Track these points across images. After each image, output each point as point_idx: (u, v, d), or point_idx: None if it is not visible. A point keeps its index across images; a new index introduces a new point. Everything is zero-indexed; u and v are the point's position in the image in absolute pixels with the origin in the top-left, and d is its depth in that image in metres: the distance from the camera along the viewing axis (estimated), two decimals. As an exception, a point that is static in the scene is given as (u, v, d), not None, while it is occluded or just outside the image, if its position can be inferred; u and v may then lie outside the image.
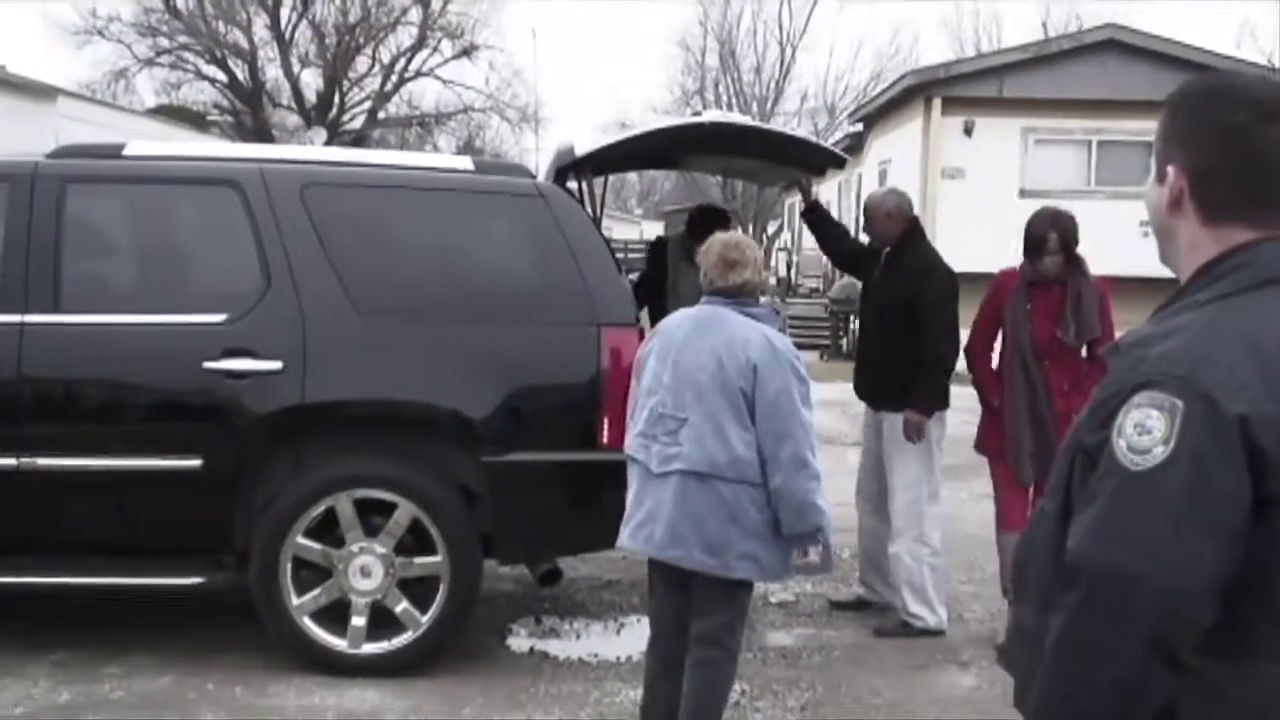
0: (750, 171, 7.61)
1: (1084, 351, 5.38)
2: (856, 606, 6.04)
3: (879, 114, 23.11)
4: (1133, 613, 1.56)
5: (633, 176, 51.65)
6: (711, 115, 6.27)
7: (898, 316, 5.57)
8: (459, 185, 5.25)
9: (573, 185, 5.80)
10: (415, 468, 4.96)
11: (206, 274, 5.30)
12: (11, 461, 4.79)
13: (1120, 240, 12.55)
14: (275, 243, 4.97)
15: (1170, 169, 1.78)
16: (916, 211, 5.92)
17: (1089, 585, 1.60)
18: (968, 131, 19.29)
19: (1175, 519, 1.55)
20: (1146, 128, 18.32)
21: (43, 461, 4.82)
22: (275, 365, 4.85)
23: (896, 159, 21.31)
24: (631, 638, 5.65)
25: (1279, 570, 1.57)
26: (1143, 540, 1.57)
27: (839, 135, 32.77)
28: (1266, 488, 1.54)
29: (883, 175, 21.78)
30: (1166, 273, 1.87)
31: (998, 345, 5.56)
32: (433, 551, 4.94)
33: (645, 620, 5.90)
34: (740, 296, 4.04)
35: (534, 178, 5.39)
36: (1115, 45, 19.14)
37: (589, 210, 5.83)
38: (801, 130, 28.67)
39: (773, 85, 44.36)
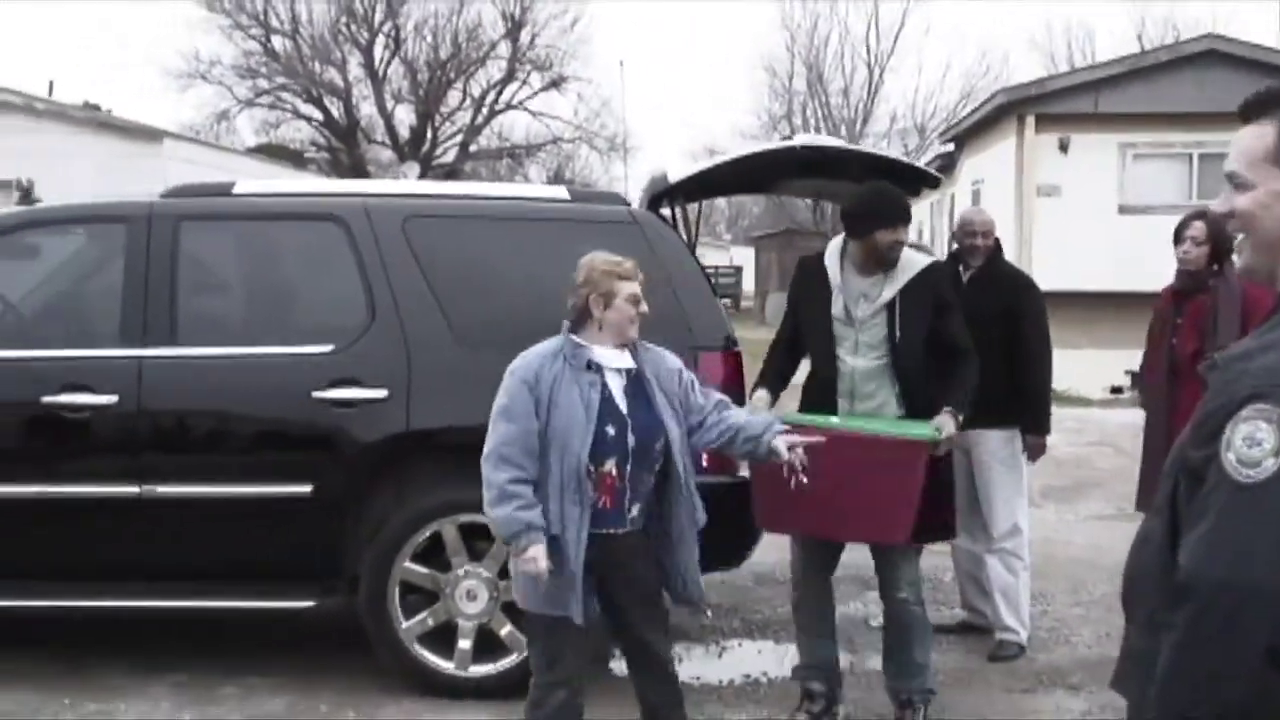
0: (842, 194, 7.60)
1: None
2: (960, 630, 5.99)
3: (970, 133, 22.91)
4: (1247, 626, 1.56)
5: (721, 202, 51.71)
6: (803, 139, 6.31)
7: (994, 331, 5.52)
8: (555, 214, 5.35)
9: (666, 212, 5.87)
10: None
11: (313, 306, 5.45)
12: (135, 490, 4.98)
13: (1224, 255, 12.30)
14: (379, 275, 5.11)
15: None
16: (1012, 230, 5.90)
17: (1202, 602, 1.60)
18: (1063, 148, 19.03)
19: None
20: (1249, 139, 17.90)
21: (162, 489, 5.00)
22: (381, 394, 4.97)
23: (989, 178, 21.09)
24: (733, 661, 5.69)
25: None
26: (1255, 554, 1.57)
27: (930, 155, 32.51)
28: None
29: (976, 195, 21.57)
30: None
31: None
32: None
33: (746, 643, 5.95)
34: None
35: (629, 205, 5.47)
36: (1215, 55, 18.77)
37: (683, 236, 5.89)
38: (893, 151, 28.50)
39: (861, 107, 44.27)
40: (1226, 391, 1.66)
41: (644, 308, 3.83)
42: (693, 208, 6.52)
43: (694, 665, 5.61)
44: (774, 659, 5.72)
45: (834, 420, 4.55)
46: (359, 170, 36.86)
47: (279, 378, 5.09)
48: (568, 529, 3.71)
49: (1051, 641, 5.88)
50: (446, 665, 5.05)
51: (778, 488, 4.26)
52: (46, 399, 5.01)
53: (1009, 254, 5.98)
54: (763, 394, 4.71)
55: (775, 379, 4.85)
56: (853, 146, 6.74)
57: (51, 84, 25.91)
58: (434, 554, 5.05)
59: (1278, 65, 18.07)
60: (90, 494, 5.05)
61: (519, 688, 4.98)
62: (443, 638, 5.07)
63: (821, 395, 4.70)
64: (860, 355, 4.63)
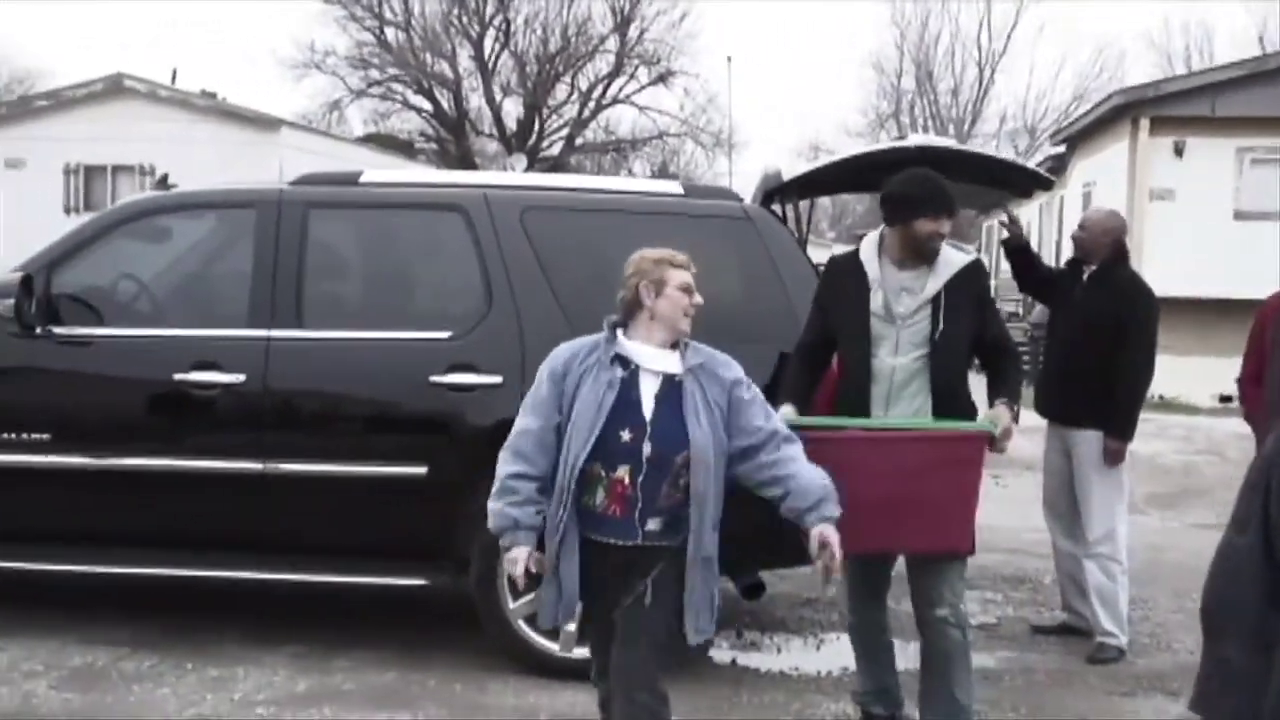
0: (957, 194, 7.61)
1: None
2: (1060, 631, 5.99)
3: (1082, 135, 22.56)
4: None
5: (824, 200, 51.47)
6: (917, 139, 6.35)
7: (1103, 334, 5.52)
8: (670, 209, 5.46)
9: (777, 209, 5.95)
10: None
11: (433, 293, 5.64)
12: (258, 466, 5.20)
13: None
14: (497, 264, 5.26)
15: None
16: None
17: None
18: (1178, 152, 18.69)
19: None
20: (1376, 144, 17.32)
21: (285, 466, 5.21)
22: (496, 379, 5.13)
23: (1101, 181, 20.75)
24: (830, 653, 5.75)
25: None
26: None
27: (1040, 157, 32.02)
28: None
29: (1087, 197, 21.23)
30: None
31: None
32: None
33: (844, 637, 6.00)
34: None
35: (741, 201, 5.56)
36: (1340, 59, 18.27)
37: (795, 233, 5.96)
38: (1005, 152, 28.16)
39: (970, 107, 43.80)
40: None
41: (698, 299, 3.62)
42: (804, 206, 6.58)
43: (792, 657, 5.69)
44: (872, 654, 5.77)
45: (873, 422, 4.27)
46: (466, 161, 37.34)
47: (398, 362, 5.27)
48: (552, 530, 3.57)
49: (1153, 647, 5.85)
50: (551, 646, 5.18)
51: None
52: (178, 376, 5.25)
53: (1119, 257, 5.93)
54: (789, 410, 4.24)
55: (802, 391, 4.46)
56: (967, 148, 6.74)
57: (175, 72, 26.70)
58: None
59: (1406, 70, 17.53)
60: (216, 469, 5.28)
61: (621, 670, 5.14)
62: (549, 619, 5.20)
63: (857, 400, 4.34)
64: (901, 354, 4.29)
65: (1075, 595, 5.95)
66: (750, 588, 5.48)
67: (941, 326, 4.27)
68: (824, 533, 3.55)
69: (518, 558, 3.52)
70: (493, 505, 3.61)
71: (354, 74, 37.77)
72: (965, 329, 4.33)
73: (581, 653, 5.13)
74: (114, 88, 22.30)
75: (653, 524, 3.54)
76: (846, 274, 4.47)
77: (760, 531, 5.24)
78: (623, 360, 3.57)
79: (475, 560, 5.16)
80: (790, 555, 5.45)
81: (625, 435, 3.48)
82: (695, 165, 45.07)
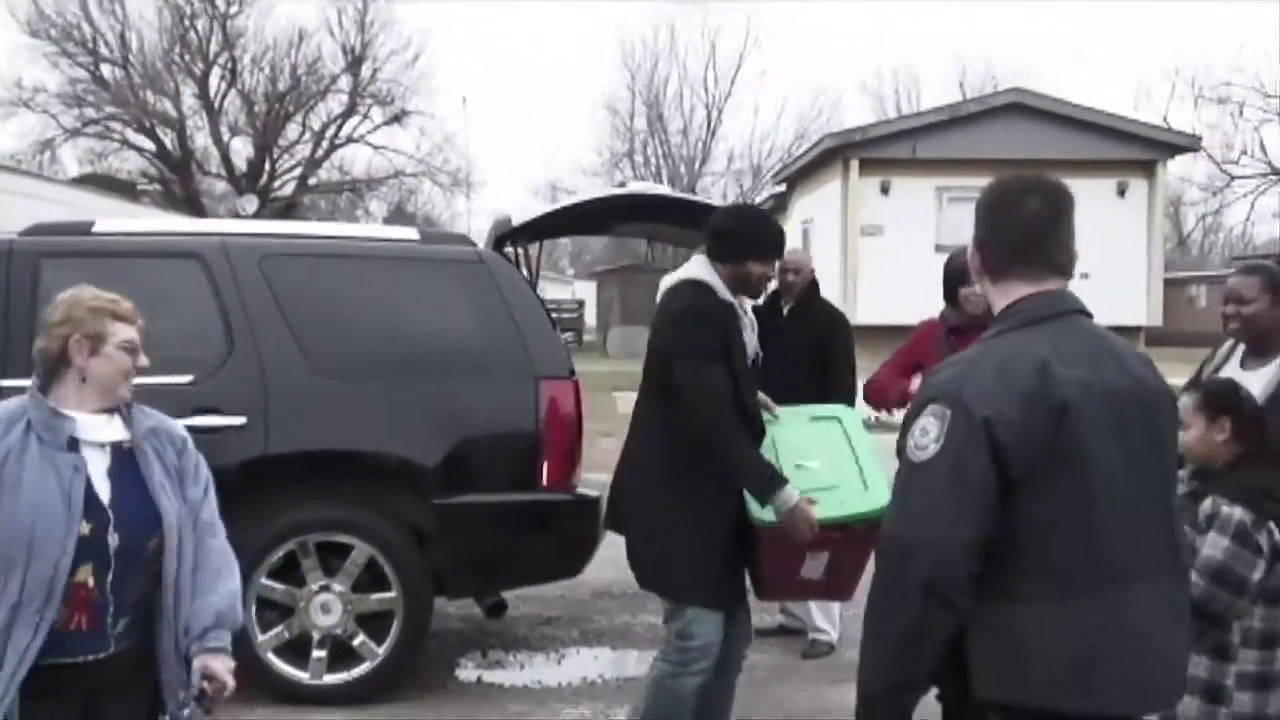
0: (672, 236, 8.22)
1: None
2: (778, 633, 6.55)
3: (800, 175, 23.96)
4: (911, 567, 2.16)
5: (565, 239, 52.35)
6: (633, 186, 6.89)
7: (805, 362, 6.05)
8: (407, 254, 5.77)
9: (510, 251, 6.34)
10: (370, 511, 5.41)
11: (175, 339, 5.69)
12: None
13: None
14: (237, 309, 5.43)
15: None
16: (838, 267, 6.47)
17: (884, 550, 2.24)
18: (884, 191, 20.15)
19: (940, 497, 2.13)
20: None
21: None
22: (240, 421, 5.29)
23: (818, 218, 22.10)
24: (570, 666, 6.13)
25: (1025, 536, 2.17)
26: (919, 513, 2.18)
27: (764, 195, 33.64)
28: (1009, 474, 2.13)
29: (805, 234, 22.57)
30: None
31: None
32: (387, 588, 5.39)
33: (584, 650, 6.41)
34: None
35: (475, 246, 5.92)
36: (1020, 108, 20.17)
37: (526, 274, 6.36)
38: (714, 198, 29.37)
39: (700, 146, 45.46)
40: (921, 397, 2.24)
41: (144, 360, 2.97)
42: (533, 247, 7.00)
43: (535, 671, 6.04)
44: (610, 664, 6.20)
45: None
46: (193, 202, 36.29)
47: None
48: (7, 657, 2.70)
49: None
50: (302, 675, 5.37)
51: (783, 561, 4.16)
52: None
53: (835, 290, 6.59)
54: (792, 491, 3.90)
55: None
56: (679, 194, 7.32)
57: None
58: (289, 570, 5.38)
59: (1074, 118, 19.50)
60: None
61: (371, 693, 5.39)
62: (298, 649, 5.39)
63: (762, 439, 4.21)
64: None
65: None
66: (493, 607, 5.83)
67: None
68: (209, 666, 2.87)
69: None
70: None
71: (67, 112, 36.16)
72: None
73: (333, 679, 5.38)
74: None
75: (122, 625, 2.85)
76: (731, 315, 4.11)
77: (502, 553, 5.63)
78: (73, 440, 2.83)
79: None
80: (529, 575, 5.86)
81: (85, 529, 2.74)
82: (433, 205, 45.22)
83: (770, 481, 3.91)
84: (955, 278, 5.26)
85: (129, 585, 2.82)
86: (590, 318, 39.34)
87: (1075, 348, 2.26)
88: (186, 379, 5.35)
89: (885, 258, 19.10)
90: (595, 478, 5.61)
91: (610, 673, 6.02)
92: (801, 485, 4.00)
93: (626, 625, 6.89)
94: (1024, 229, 2.35)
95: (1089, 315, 2.37)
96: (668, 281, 4.23)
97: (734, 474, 3.98)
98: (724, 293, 4.08)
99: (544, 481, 5.49)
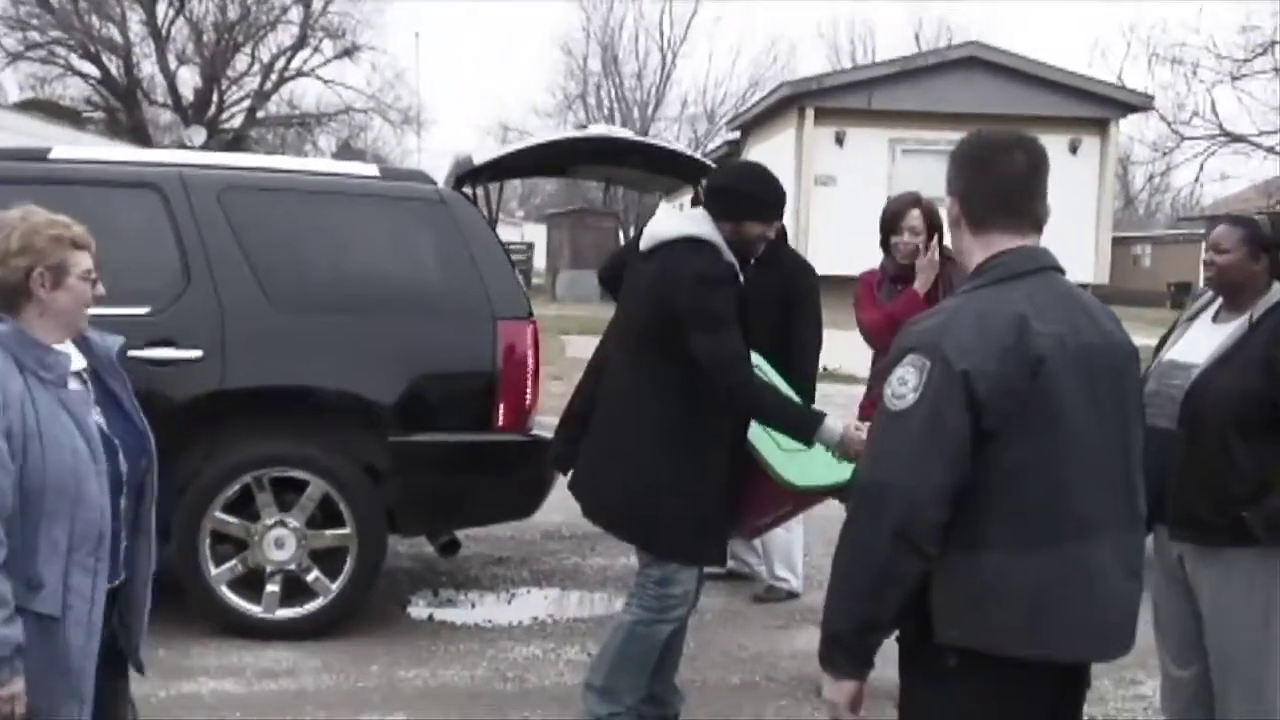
0: (631, 180, 8.22)
1: None
2: (727, 578, 6.64)
3: (755, 122, 23.92)
4: (883, 512, 2.22)
5: (515, 181, 52.03)
6: (596, 129, 6.87)
7: (774, 310, 6.02)
8: (367, 190, 5.73)
9: (468, 191, 6.31)
10: (326, 448, 5.42)
11: (131, 270, 5.64)
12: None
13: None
14: (195, 242, 5.38)
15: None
16: (791, 217, 6.46)
17: (858, 494, 2.30)
18: (839, 141, 20.20)
19: (916, 445, 2.19)
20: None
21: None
22: (196, 354, 5.27)
23: (772, 165, 22.05)
24: (520, 606, 6.20)
25: (994, 486, 2.23)
26: (894, 460, 2.24)
27: (718, 142, 33.57)
28: (983, 424, 2.19)
29: (759, 182, 22.56)
30: None
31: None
32: (342, 524, 5.41)
33: (534, 590, 6.48)
34: None
35: (435, 184, 5.89)
36: (977, 62, 20.23)
37: (486, 214, 6.35)
38: (679, 144, 29.32)
39: (654, 91, 45.26)
40: (898, 346, 2.30)
41: (101, 290, 2.88)
42: (494, 187, 6.97)
43: (485, 610, 6.10)
44: (560, 604, 6.28)
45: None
46: (139, 132, 35.64)
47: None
48: (74, 608, 2.68)
49: (809, 586, 6.57)
50: (254, 609, 5.39)
51: (762, 511, 4.37)
52: None
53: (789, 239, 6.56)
54: (834, 424, 3.90)
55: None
56: (641, 138, 7.30)
57: None
58: (244, 505, 5.38)
59: (1031, 73, 19.61)
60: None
61: (323, 628, 5.43)
62: (251, 583, 5.41)
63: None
64: None
65: (741, 546, 6.60)
66: (446, 546, 5.88)
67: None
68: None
69: (18, 692, 2.60)
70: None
71: (10, 35, 35.26)
72: None
73: (286, 613, 5.41)
74: None
75: (124, 551, 2.88)
76: (736, 280, 4.03)
77: (456, 493, 5.66)
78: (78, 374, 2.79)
79: (177, 529, 5.28)
80: (482, 515, 5.91)
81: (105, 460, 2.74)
82: (383, 142, 44.67)
83: (810, 421, 3.89)
84: (886, 226, 5.16)
85: (129, 510, 2.87)
86: (539, 261, 39.19)
87: (1052, 303, 2.32)
88: (143, 310, 5.31)
89: (838, 208, 19.18)
90: (545, 420, 5.67)
91: (560, 613, 6.10)
92: (784, 446, 4.06)
93: (576, 566, 6.97)
94: (1009, 183, 2.40)
95: (1063, 271, 2.43)
96: (661, 234, 4.07)
97: (772, 422, 3.98)
98: (728, 254, 4.01)
99: (500, 422, 5.52)
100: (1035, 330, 2.24)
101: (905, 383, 2.24)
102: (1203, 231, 33.76)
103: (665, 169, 6.88)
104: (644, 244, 4.13)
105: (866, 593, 2.24)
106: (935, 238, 4.98)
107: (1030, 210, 2.42)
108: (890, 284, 5.22)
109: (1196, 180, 20.49)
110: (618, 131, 7.13)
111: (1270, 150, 18.61)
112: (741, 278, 4.08)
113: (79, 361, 2.84)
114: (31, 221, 2.77)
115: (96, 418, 2.79)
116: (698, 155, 7.02)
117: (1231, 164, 26.78)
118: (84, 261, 2.83)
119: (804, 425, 3.92)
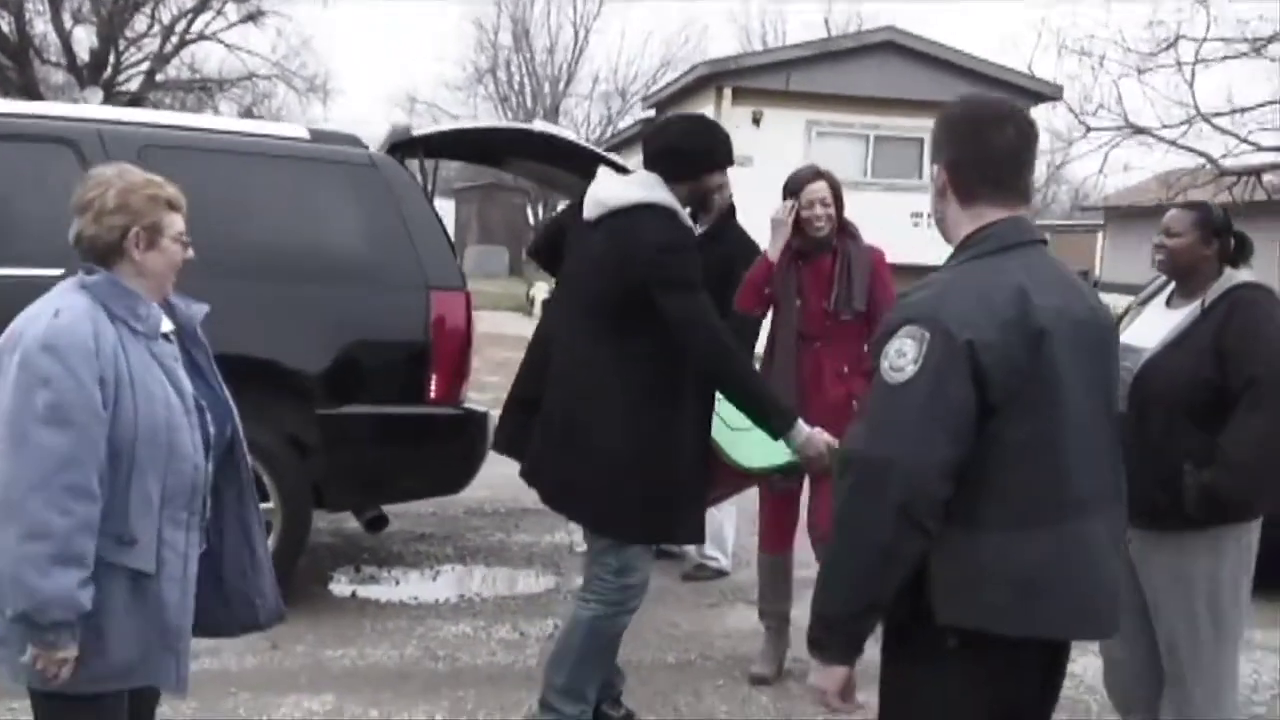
0: (569, 185, 7.96)
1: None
2: (657, 556, 6.55)
3: (672, 101, 23.79)
4: (886, 488, 2.13)
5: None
6: (540, 126, 6.71)
7: (720, 283, 5.87)
8: (296, 153, 5.52)
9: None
10: (250, 419, 5.18)
11: (45, 229, 5.39)
12: None
13: (894, 230, 13.49)
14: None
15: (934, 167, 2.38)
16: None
17: (857, 469, 2.17)
18: (756, 122, 20.16)
19: (919, 418, 2.11)
20: (919, 125, 19.45)
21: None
22: (113, 319, 5.03)
23: (687, 145, 22.06)
24: (447, 583, 6.07)
25: (995, 463, 2.17)
26: (895, 433, 2.14)
27: (630, 120, 33.43)
28: (988, 398, 2.13)
29: (674, 160, 22.50)
30: (935, 260, 2.43)
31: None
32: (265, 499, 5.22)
33: (459, 567, 6.35)
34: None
35: (367, 148, 5.70)
36: (893, 47, 20.33)
37: (420, 183, 6.17)
38: (580, 121, 29.14)
39: (565, 67, 44.86)
40: (892, 318, 2.22)
41: (190, 252, 2.78)
42: (429, 162, 6.79)
43: (410, 587, 5.95)
44: (487, 581, 6.17)
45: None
46: (30, 91, 34.34)
47: (10, 299, 5.03)
48: (168, 564, 2.58)
49: (738, 565, 6.54)
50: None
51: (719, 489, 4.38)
52: None
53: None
54: (803, 424, 3.81)
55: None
56: (582, 143, 7.18)
57: None
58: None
59: (946, 60, 19.79)
60: None
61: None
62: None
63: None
64: None
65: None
66: (373, 521, 5.72)
67: None
68: None
69: (69, 656, 2.46)
70: (51, 583, 2.38)
71: (-106, -14, 33.76)
72: None
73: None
74: None
75: (208, 519, 2.81)
76: (695, 244, 3.93)
77: (385, 466, 5.51)
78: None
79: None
80: (412, 490, 5.76)
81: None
82: (287, 110, 43.57)
83: (787, 415, 3.79)
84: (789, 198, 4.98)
85: (219, 476, 2.81)
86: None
87: (1046, 276, 2.27)
88: (58, 272, 5.04)
89: (754, 189, 19.14)
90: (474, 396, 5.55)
91: (488, 590, 5.99)
92: (732, 425, 3.99)
93: (501, 543, 6.85)
94: (1002, 154, 2.34)
95: (1046, 244, 2.38)
96: (609, 200, 3.88)
97: (753, 405, 3.83)
98: (685, 217, 3.89)
99: (431, 395, 5.37)
100: (1036, 304, 2.18)
101: (904, 354, 2.15)
102: (1101, 222, 34.56)
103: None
104: (589, 212, 3.94)
105: (869, 573, 2.16)
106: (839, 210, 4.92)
107: (1020, 182, 2.37)
108: (794, 261, 4.98)
109: (1100, 171, 20.81)
110: (562, 132, 6.98)
111: (1172, 143, 18.99)
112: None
113: (166, 324, 2.75)
114: (128, 180, 2.70)
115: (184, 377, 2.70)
116: (619, 160, 6.75)
117: (1135, 155, 27.36)
118: (178, 223, 2.75)
119: (783, 419, 3.79)
